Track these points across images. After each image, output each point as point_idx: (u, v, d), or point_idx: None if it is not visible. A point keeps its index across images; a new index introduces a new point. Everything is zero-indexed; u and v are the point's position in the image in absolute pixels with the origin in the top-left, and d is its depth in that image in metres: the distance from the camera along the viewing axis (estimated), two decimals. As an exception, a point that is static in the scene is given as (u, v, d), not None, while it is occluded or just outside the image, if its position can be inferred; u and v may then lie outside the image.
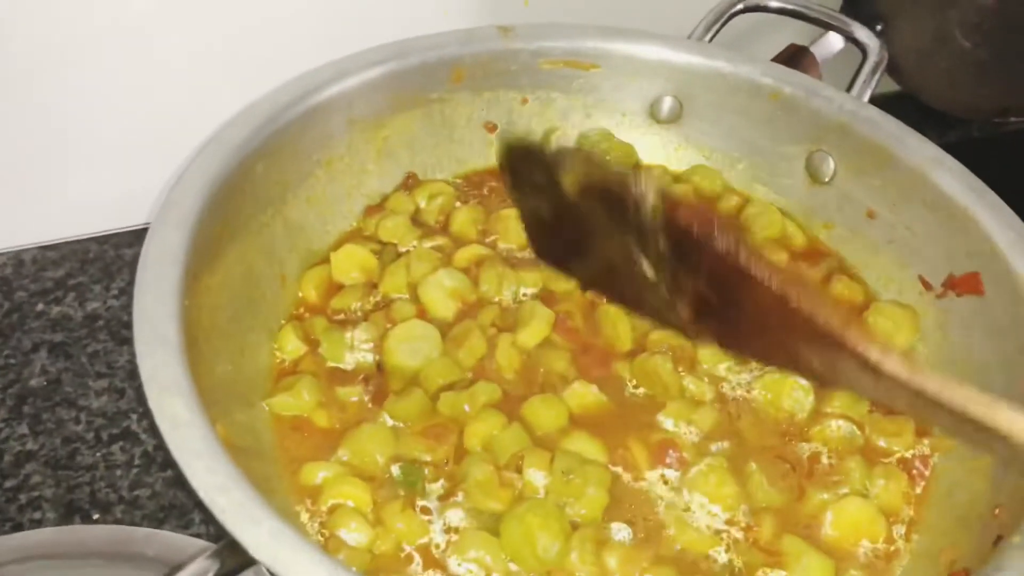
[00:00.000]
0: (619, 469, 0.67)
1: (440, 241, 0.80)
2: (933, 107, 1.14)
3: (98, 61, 0.87)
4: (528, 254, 0.80)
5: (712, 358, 0.73)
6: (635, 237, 0.61)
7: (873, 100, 0.84)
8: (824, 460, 0.70)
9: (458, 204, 0.84)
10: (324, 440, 0.68)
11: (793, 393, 0.71)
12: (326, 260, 0.78)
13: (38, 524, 0.76)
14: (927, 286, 0.78)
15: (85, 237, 0.97)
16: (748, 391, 0.73)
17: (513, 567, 0.62)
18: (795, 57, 0.96)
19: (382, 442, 0.67)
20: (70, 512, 0.77)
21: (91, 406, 0.84)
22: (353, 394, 0.70)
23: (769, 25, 0.97)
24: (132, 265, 0.91)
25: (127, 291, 0.92)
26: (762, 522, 0.65)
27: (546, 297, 0.76)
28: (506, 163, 0.71)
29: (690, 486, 0.67)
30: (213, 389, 0.61)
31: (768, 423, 0.71)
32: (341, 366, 0.72)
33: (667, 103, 0.88)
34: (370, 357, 0.72)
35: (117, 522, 0.76)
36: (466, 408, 0.68)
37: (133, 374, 0.84)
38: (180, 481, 0.55)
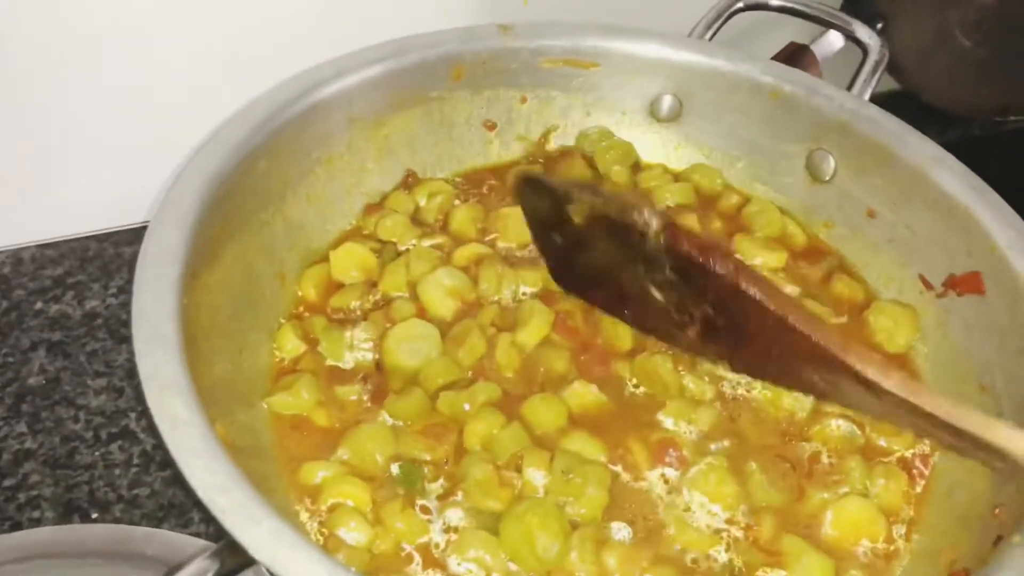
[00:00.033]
0: (619, 468, 0.67)
1: (440, 240, 0.80)
2: (933, 106, 1.14)
3: (98, 61, 0.87)
4: (528, 253, 0.80)
5: (712, 358, 0.73)
6: (643, 264, 0.62)
7: (873, 99, 0.84)
8: (824, 459, 0.70)
9: (457, 202, 0.84)
10: (323, 439, 0.68)
11: (793, 392, 0.71)
12: (325, 259, 0.78)
13: (37, 523, 0.76)
14: (928, 285, 0.78)
15: (84, 235, 0.97)
16: (748, 390, 0.72)
17: (513, 567, 0.62)
18: (795, 55, 0.96)
19: (382, 441, 0.67)
20: (69, 511, 0.77)
21: (90, 405, 0.84)
22: (352, 393, 0.70)
23: (769, 23, 0.96)
24: (131, 263, 0.92)
25: (126, 289, 0.92)
26: (762, 521, 0.65)
27: (546, 296, 0.76)
28: (522, 202, 0.73)
29: (690, 485, 0.67)
30: (212, 388, 0.61)
31: (768, 422, 0.71)
32: (340, 365, 0.72)
33: (667, 101, 0.88)
34: (369, 356, 0.72)
35: (116, 521, 0.76)
36: (466, 407, 0.68)
37: (132, 373, 0.83)
38: (179, 480, 0.55)
